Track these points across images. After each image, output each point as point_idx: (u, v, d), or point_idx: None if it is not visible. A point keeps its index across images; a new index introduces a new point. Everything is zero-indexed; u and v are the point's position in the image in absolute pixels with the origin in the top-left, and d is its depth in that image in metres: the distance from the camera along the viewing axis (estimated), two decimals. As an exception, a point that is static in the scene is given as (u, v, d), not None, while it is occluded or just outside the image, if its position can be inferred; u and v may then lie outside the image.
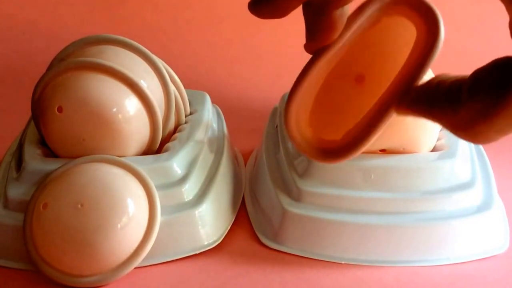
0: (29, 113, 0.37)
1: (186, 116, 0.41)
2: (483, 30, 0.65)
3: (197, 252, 0.34)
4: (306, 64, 0.25)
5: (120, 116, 0.34)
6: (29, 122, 0.40)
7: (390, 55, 0.24)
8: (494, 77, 0.20)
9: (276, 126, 0.43)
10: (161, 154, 0.36)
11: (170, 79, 0.38)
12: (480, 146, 0.41)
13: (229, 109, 0.49)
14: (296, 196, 0.35)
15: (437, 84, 0.22)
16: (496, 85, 0.19)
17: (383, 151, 0.36)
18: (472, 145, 0.39)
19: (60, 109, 0.34)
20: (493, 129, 0.20)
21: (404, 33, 0.24)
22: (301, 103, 0.25)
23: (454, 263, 0.34)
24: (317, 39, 0.23)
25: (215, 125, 0.43)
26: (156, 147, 0.37)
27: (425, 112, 0.22)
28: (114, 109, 0.34)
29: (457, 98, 0.20)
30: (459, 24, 0.65)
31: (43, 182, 0.33)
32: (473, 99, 0.20)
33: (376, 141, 0.34)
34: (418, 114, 0.23)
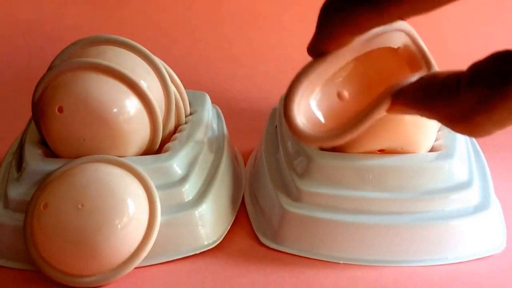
0: (30, 113, 0.37)
1: (186, 116, 0.41)
2: (484, 32, 0.65)
3: (197, 252, 0.35)
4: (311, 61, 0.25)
5: (120, 116, 0.34)
6: (29, 122, 0.40)
7: (372, 85, 0.25)
8: (495, 68, 0.20)
9: (276, 126, 0.43)
10: (161, 154, 0.36)
11: (170, 79, 0.38)
12: (478, 147, 0.41)
13: (229, 110, 0.49)
14: (295, 196, 0.35)
15: (431, 77, 0.22)
16: (496, 76, 0.19)
17: (382, 151, 0.36)
18: (469, 145, 0.40)
19: (60, 110, 0.34)
20: (491, 120, 0.20)
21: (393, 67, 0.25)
22: (305, 89, 0.25)
23: (452, 263, 0.34)
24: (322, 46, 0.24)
25: (215, 126, 0.43)
26: (156, 147, 0.37)
27: (420, 105, 0.22)
28: (115, 110, 0.34)
29: (455, 88, 0.20)
30: (459, 26, 0.65)
31: (44, 182, 0.33)
32: (472, 89, 0.20)
33: (374, 141, 0.35)
34: (413, 108, 0.22)
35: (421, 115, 0.22)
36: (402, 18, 0.21)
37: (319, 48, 0.24)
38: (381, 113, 0.24)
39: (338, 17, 0.22)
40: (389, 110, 0.24)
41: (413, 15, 0.21)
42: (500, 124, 0.20)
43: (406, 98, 0.23)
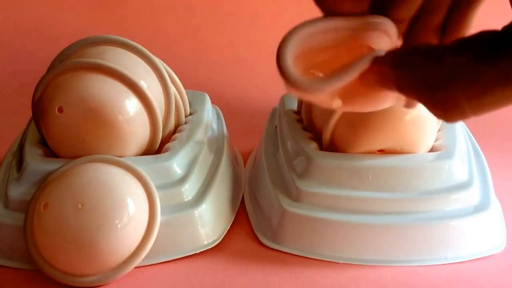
0: (30, 113, 0.37)
1: (186, 116, 0.41)
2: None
3: (197, 252, 0.35)
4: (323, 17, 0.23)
5: (120, 116, 0.34)
6: (29, 122, 0.40)
7: None
8: (484, 39, 0.19)
9: (276, 127, 0.43)
10: (161, 154, 0.36)
11: (170, 79, 0.38)
12: (478, 147, 0.41)
13: (229, 110, 0.49)
14: (295, 196, 0.35)
15: (418, 44, 0.21)
16: (484, 45, 0.19)
17: (382, 151, 0.36)
18: (469, 145, 0.40)
19: (60, 110, 0.34)
20: (469, 93, 0.19)
21: None
22: (300, 43, 0.24)
23: (452, 263, 0.34)
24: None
25: (214, 126, 0.43)
26: (156, 147, 0.37)
27: (400, 68, 0.21)
28: (114, 110, 0.34)
29: (440, 54, 0.20)
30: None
31: (44, 182, 0.33)
32: (458, 55, 0.19)
33: (374, 141, 0.35)
34: (391, 72, 0.21)
35: (398, 84, 0.21)
36: None
37: (329, 4, 0.22)
38: (356, 72, 0.22)
39: None
40: (365, 75, 0.22)
41: None
42: (476, 101, 0.19)
43: (387, 60, 0.21)
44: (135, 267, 0.32)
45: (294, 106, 0.42)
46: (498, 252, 0.35)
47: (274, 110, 0.46)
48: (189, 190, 0.35)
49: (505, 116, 0.55)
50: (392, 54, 0.22)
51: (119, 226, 0.31)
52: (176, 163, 0.36)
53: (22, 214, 0.33)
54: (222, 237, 0.36)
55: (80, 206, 0.31)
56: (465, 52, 0.19)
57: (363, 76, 0.22)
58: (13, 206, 0.34)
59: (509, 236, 0.36)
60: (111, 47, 0.37)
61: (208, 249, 0.35)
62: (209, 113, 0.43)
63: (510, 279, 0.33)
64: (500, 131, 0.52)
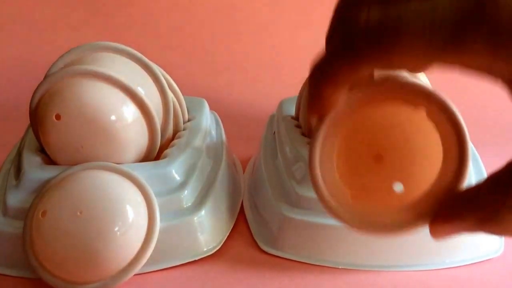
0: (28, 121, 0.37)
1: (184, 122, 0.41)
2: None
3: (196, 258, 0.35)
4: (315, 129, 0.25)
5: (118, 123, 0.34)
6: (27, 129, 0.40)
7: (407, 140, 0.26)
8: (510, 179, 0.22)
9: (274, 133, 0.43)
10: (159, 161, 0.36)
11: (168, 86, 0.38)
12: (476, 153, 0.41)
13: (227, 116, 0.49)
14: (294, 202, 0.35)
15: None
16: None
17: (380, 156, 0.36)
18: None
19: (58, 117, 0.34)
20: None
21: (420, 122, 0.25)
22: (322, 164, 0.25)
23: (450, 267, 0.34)
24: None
25: (213, 132, 0.43)
26: (155, 153, 0.37)
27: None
28: (112, 117, 0.34)
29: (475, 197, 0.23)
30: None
31: (42, 189, 0.33)
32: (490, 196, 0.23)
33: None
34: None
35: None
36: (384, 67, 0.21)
37: (316, 111, 0.24)
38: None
39: (321, 73, 0.22)
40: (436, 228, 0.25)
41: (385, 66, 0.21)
42: None
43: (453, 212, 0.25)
44: (135, 274, 0.32)
45: (292, 112, 0.42)
46: (496, 256, 0.35)
47: (272, 116, 0.46)
48: (188, 196, 0.35)
49: (502, 122, 0.56)
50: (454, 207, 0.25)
51: (118, 233, 0.31)
52: (175, 170, 0.36)
53: (21, 221, 0.33)
54: (222, 243, 0.36)
55: (78, 213, 0.31)
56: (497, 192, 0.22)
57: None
58: (12, 214, 0.34)
59: (506, 240, 0.36)
60: (109, 54, 0.37)
61: (207, 256, 0.35)
62: (207, 119, 0.43)
63: (508, 283, 0.33)
64: (498, 137, 0.52)
